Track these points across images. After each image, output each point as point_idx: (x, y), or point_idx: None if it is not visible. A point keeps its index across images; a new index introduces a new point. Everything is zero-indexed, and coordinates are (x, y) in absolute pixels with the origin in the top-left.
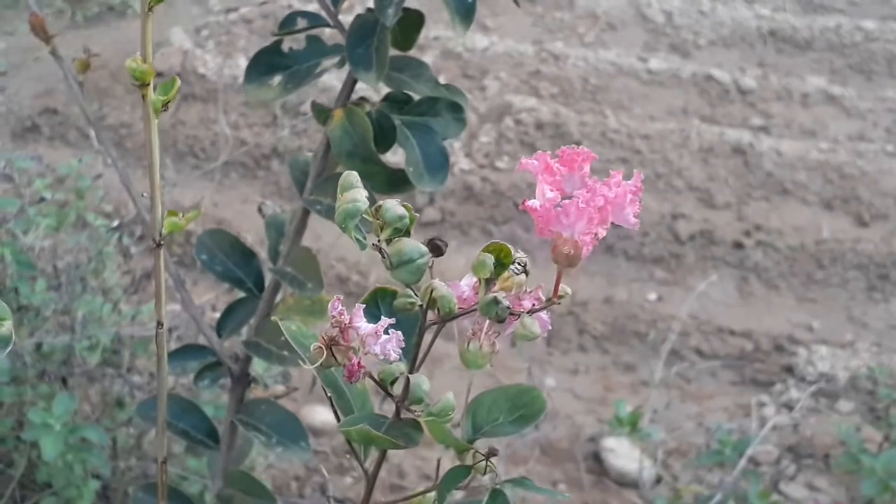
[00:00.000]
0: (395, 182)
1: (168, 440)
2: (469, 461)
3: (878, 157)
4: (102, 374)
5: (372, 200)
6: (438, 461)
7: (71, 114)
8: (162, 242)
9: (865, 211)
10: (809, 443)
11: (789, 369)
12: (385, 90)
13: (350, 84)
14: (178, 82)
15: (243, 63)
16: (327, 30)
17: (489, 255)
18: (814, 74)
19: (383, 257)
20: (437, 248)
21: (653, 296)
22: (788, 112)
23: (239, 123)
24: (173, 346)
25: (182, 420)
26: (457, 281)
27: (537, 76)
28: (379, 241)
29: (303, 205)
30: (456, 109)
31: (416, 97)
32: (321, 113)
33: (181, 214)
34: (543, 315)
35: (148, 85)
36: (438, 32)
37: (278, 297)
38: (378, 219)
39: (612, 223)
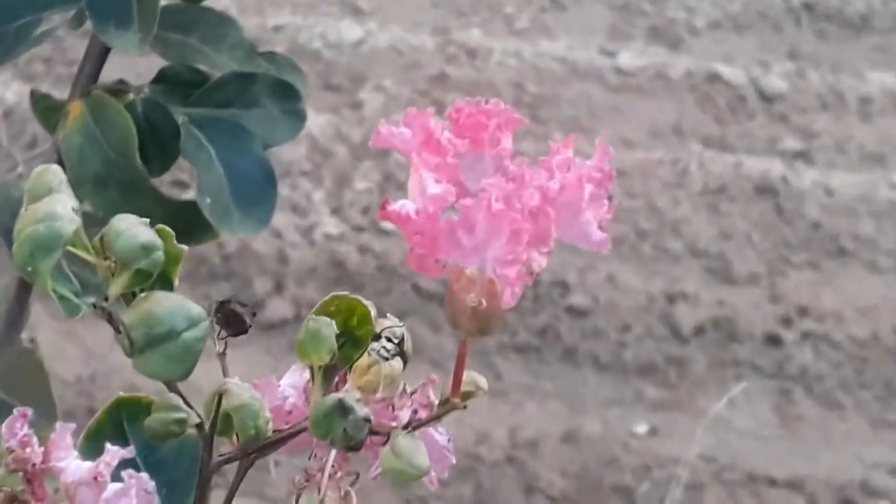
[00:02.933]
0: (182, 224)
1: None
2: None
3: None
4: None
5: (154, 197)
6: None
7: None
8: None
9: None
10: None
11: None
12: (160, 65)
13: (96, 56)
14: None
15: None
16: None
17: (327, 319)
18: (876, 68)
19: (117, 331)
20: (231, 317)
21: (642, 427)
22: (840, 127)
23: None
24: None
25: None
26: (272, 378)
27: (442, 83)
28: (106, 298)
29: (18, 274)
30: (286, 95)
31: (216, 75)
32: (47, 110)
33: None
34: (437, 434)
35: None
36: (283, 19)
37: None
38: (104, 253)
39: (558, 241)
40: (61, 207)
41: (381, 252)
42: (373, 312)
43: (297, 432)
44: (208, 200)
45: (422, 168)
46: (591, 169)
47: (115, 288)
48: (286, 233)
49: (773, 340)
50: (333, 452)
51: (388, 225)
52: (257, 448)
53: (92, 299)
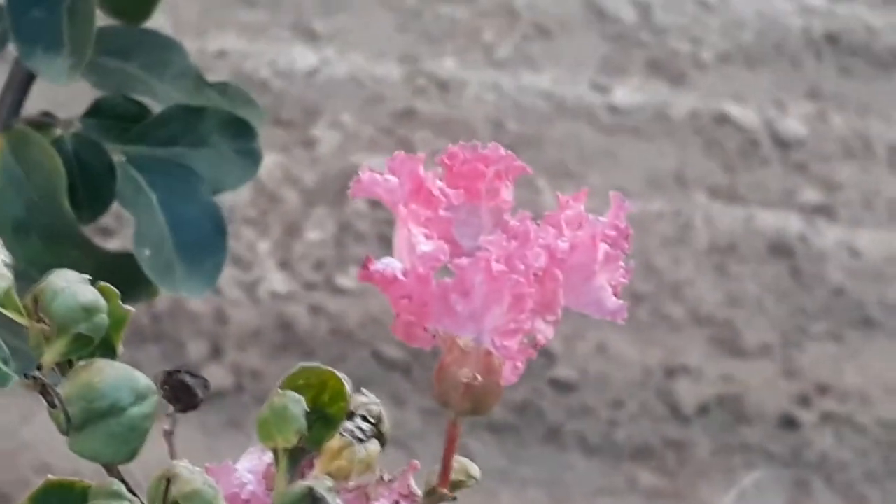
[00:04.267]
0: (116, 280)
1: None
2: None
3: None
4: None
5: (84, 247)
6: None
7: None
8: None
9: None
10: None
11: None
12: (93, 96)
13: (18, 84)
14: None
15: None
16: None
17: (295, 395)
18: None
19: (51, 405)
20: (181, 390)
21: None
22: (867, 179)
23: None
24: None
25: None
26: (228, 462)
27: (410, 119)
28: (39, 367)
29: None
30: (240, 132)
31: (158, 109)
32: None
33: None
34: None
35: None
36: (227, 43)
37: None
38: (37, 314)
39: (567, 309)
40: None
41: (336, 313)
42: (347, 387)
43: None
44: (147, 253)
45: (411, 222)
46: (606, 226)
47: (51, 355)
48: (226, 289)
49: (789, 423)
50: None
51: (344, 282)
52: None
53: (19, 369)
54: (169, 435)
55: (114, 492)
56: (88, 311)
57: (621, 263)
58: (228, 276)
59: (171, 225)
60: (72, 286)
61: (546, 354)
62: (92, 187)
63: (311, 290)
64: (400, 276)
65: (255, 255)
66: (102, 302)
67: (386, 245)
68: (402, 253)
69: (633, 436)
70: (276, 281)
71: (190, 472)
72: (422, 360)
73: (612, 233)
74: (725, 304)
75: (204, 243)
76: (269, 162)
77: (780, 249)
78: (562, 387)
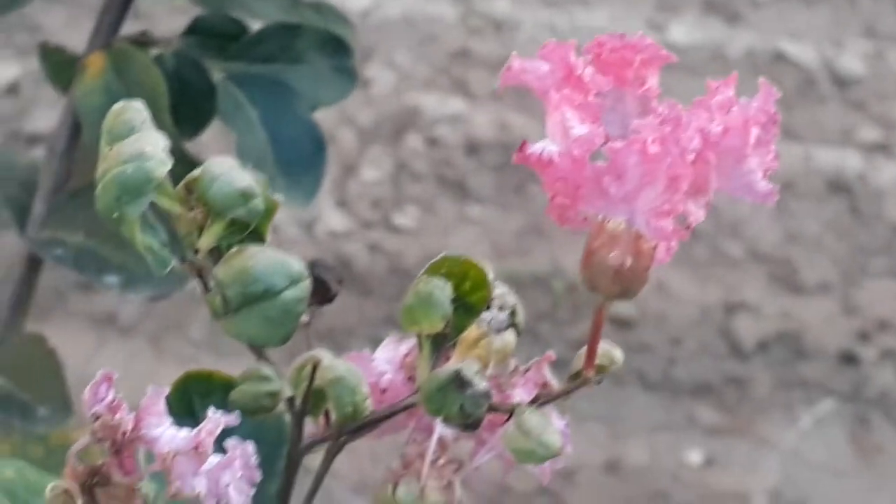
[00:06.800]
0: None
1: None
2: None
3: None
4: None
5: (186, 162)
6: None
7: None
8: None
9: None
10: None
11: None
12: (192, 12)
13: (119, 3)
14: None
15: None
16: None
17: (440, 281)
18: None
19: (206, 289)
20: (317, 283)
21: (696, 456)
22: None
23: None
24: None
25: None
26: (366, 352)
27: (464, 59)
28: (196, 252)
29: (26, 248)
30: (336, 49)
31: (256, 26)
32: (59, 65)
33: None
34: (556, 416)
35: None
36: None
37: None
38: (193, 202)
39: (717, 193)
40: (151, 147)
41: (394, 251)
42: (490, 276)
43: (400, 410)
44: (249, 168)
45: (565, 106)
46: (757, 111)
47: (207, 240)
48: (284, 227)
49: (848, 359)
50: (436, 437)
51: (401, 221)
52: (354, 429)
53: (187, 253)
54: (307, 326)
55: (263, 376)
56: (245, 196)
57: (771, 148)
58: (286, 214)
59: (271, 141)
60: (228, 172)
61: None
62: (193, 104)
63: (369, 228)
64: (556, 159)
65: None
66: (258, 188)
67: (443, 185)
68: (554, 138)
69: (692, 372)
70: (334, 219)
71: (334, 360)
72: None
73: (763, 117)
74: (784, 241)
75: (304, 160)
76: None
77: (838, 187)
78: (621, 323)
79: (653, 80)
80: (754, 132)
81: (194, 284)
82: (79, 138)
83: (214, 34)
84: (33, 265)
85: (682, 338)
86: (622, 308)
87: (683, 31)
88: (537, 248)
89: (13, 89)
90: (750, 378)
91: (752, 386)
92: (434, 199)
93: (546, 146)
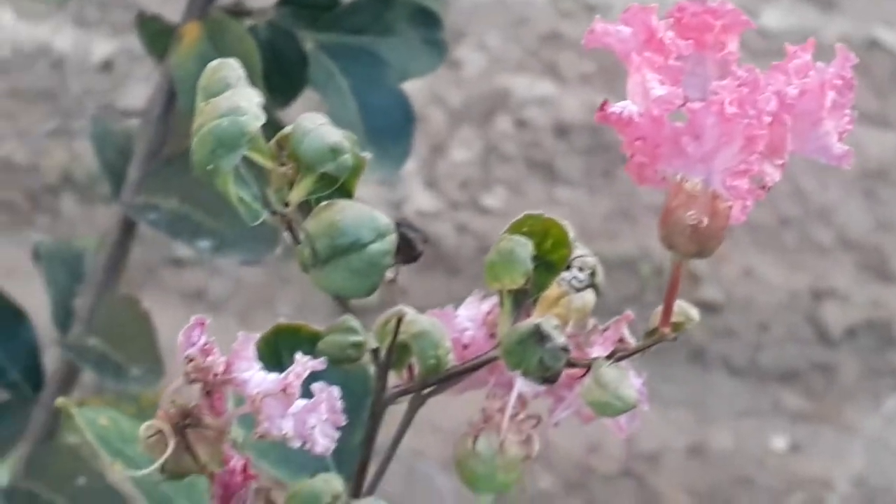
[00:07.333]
0: None
1: None
2: None
3: None
4: None
5: (278, 130)
6: None
7: None
8: None
9: None
10: None
11: None
12: None
13: None
14: None
15: None
16: None
17: (522, 238)
18: None
19: (296, 241)
20: (402, 241)
21: (781, 442)
22: None
23: None
24: None
25: None
26: (450, 308)
27: (555, 42)
28: (286, 205)
29: (122, 213)
30: (427, 22)
31: None
32: (155, 34)
33: None
34: (633, 373)
35: None
36: None
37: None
38: (284, 158)
39: (792, 155)
40: (246, 102)
41: (482, 232)
42: (570, 235)
43: (481, 364)
44: None
45: (645, 68)
46: (833, 75)
47: (298, 193)
48: (372, 206)
49: None
50: (516, 391)
51: (489, 202)
52: (437, 381)
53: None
54: (392, 283)
55: (349, 327)
56: (335, 151)
57: (847, 112)
58: (374, 193)
59: (361, 110)
60: (319, 128)
61: (692, 276)
62: (285, 73)
63: (457, 209)
64: (636, 118)
65: (400, 173)
66: (347, 143)
67: (532, 167)
68: (635, 98)
69: (778, 358)
70: (422, 199)
71: (418, 315)
72: None
73: (839, 81)
74: (874, 228)
75: (393, 129)
76: (415, 82)
77: None
78: (707, 308)
79: (733, 45)
80: (830, 95)
81: (281, 259)
82: (173, 106)
83: (307, 5)
84: (128, 229)
85: (770, 323)
86: (710, 292)
87: (777, 16)
88: (624, 231)
89: (108, 66)
90: (836, 365)
91: (839, 373)
92: (522, 181)
93: (627, 106)
